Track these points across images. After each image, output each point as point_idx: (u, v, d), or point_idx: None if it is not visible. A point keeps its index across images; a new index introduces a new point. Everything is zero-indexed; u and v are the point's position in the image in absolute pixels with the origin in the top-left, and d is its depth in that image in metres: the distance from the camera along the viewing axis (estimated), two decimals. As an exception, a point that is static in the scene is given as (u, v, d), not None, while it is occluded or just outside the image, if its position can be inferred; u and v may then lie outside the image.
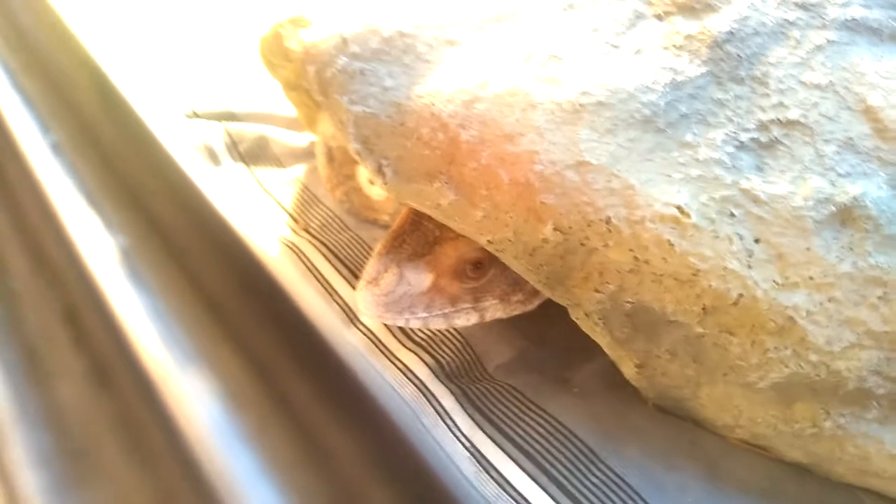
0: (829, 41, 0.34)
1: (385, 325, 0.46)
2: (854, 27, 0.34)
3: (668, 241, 0.32)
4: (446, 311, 0.40)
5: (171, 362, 0.18)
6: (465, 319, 0.40)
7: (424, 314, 0.39)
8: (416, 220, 0.40)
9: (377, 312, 0.38)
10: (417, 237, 0.39)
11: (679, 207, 0.32)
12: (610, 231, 0.33)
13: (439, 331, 0.45)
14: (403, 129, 0.36)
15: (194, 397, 0.18)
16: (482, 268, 0.39)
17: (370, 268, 0.39)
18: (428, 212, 0.37)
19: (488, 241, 0.36)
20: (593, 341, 0.38)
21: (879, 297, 0.31)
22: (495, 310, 0.41)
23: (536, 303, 0.42)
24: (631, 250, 0.33)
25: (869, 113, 0.32)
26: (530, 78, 0.35)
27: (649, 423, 0.39)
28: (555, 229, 0.34)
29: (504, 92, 0.35)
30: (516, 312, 0.42)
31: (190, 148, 0.62)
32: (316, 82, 0.39)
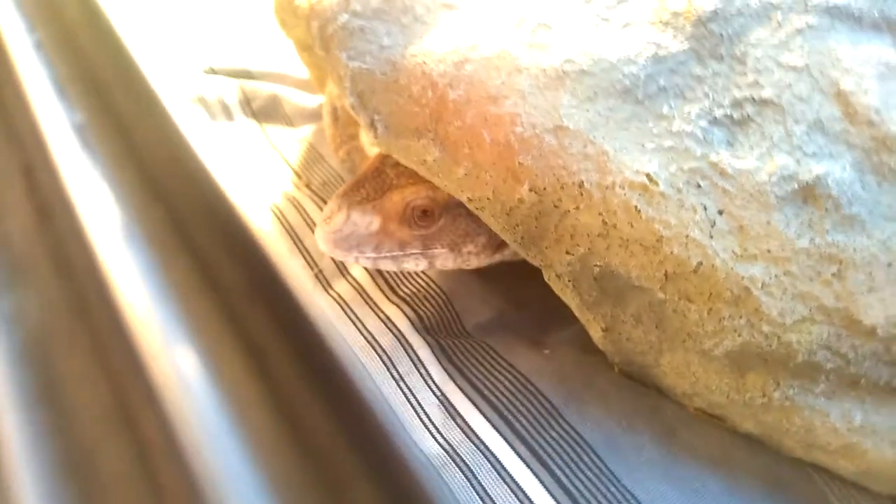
0: (809, 25, 0.35)
1: (373, 279, 0.48)
2: (835, 13, 0.35)
3: (636, 206, 0.33)
4: (395, 253, 0.42)
5: (161, 333, 0.20)
6: (414, 264, 0.43)
7: (373, 254, 0.42)
8: (379, 168, 0.43)
9: (328, 247, 0.41)
10: (375, 183, 0.42)
11: (648, 175, 0.33)
12: (582, 195, 0.34)
13: (422, 287, 0.47)
14: (396, 85, 0.38)
15: (179, 362, 0.19)
16: (430, 217, 0.41)
17: (327, 207, 0.42)
18: (414, 167, 0.39)
19: (468, 198, 0.37)
20: (570, 310, 0.40)
21: (833, 274, 0.32)
22: (445, 258, 0.43)
23: (497, 258, 0.44)
24: (600, 214, 0.34)
25: (840, 97, 0.33)
26: (519, 43, 0.36)
27: (613, 388, 0.41)
28: (530, 190, 0.35)
29: (493, 55, 0.36)
30: (471, 264, 0.44)
31: (196, 106, 0.65)
32: (318, 38, 0.41)
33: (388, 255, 0.42)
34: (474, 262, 0.44)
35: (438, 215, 0.41)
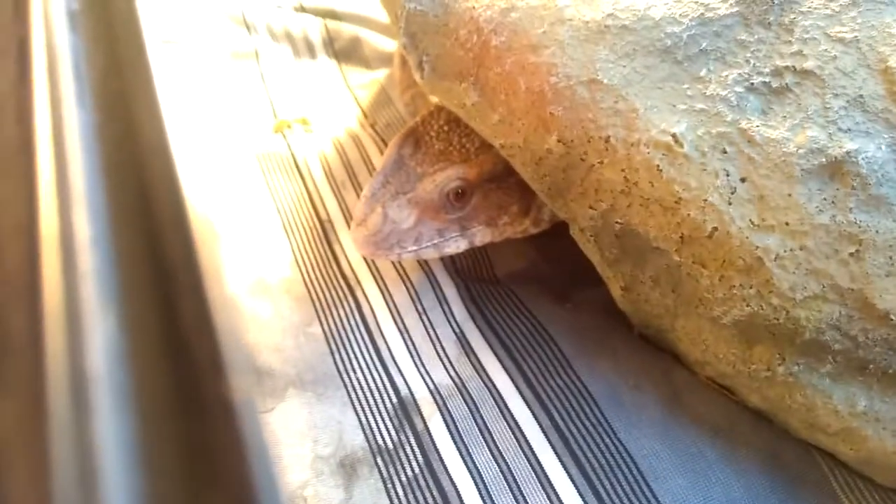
0: (867, -2, 0.33)
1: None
2: (899, -12, 0.33)
3: (657, 166, 0.34)
4: (435, 241, 0.42)
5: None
6: (455, 247, 0.42)
7: (414, 247, 0.41)
8: (398, 161, 0.42)
9: (369, 251, 0.41)
10: (400, 176, 0.41)
11: (674, 135, 0.33)
12: (607, 149, 0.35)
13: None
14: (445, 28, 0.39)
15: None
16: (464, 197, 0.41)
17: (358, 210, 0.41)
18: (454, 110, 0.40)
19: (501, 144, 0.38)
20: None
21: (851, 254, 0.32)
22: (484, 234, 0.43)
23: (527, 224, 0.44)
24: (623, 171, 0.35)
25: (887, 74, 0.32)
26: (567, -5, 0.37)
27: (628, 348, 0.42)
28: (559, 141, 0.36)
29: (538, 4, 0.37)
30: (507, 235, 0.44)
31: (282, 43, 0.68)
32: (382, -22, 0.43)
33: (428, 244, 0.42)
34: (509, 232, 0.44)
35: (471, 194, 0.41)
